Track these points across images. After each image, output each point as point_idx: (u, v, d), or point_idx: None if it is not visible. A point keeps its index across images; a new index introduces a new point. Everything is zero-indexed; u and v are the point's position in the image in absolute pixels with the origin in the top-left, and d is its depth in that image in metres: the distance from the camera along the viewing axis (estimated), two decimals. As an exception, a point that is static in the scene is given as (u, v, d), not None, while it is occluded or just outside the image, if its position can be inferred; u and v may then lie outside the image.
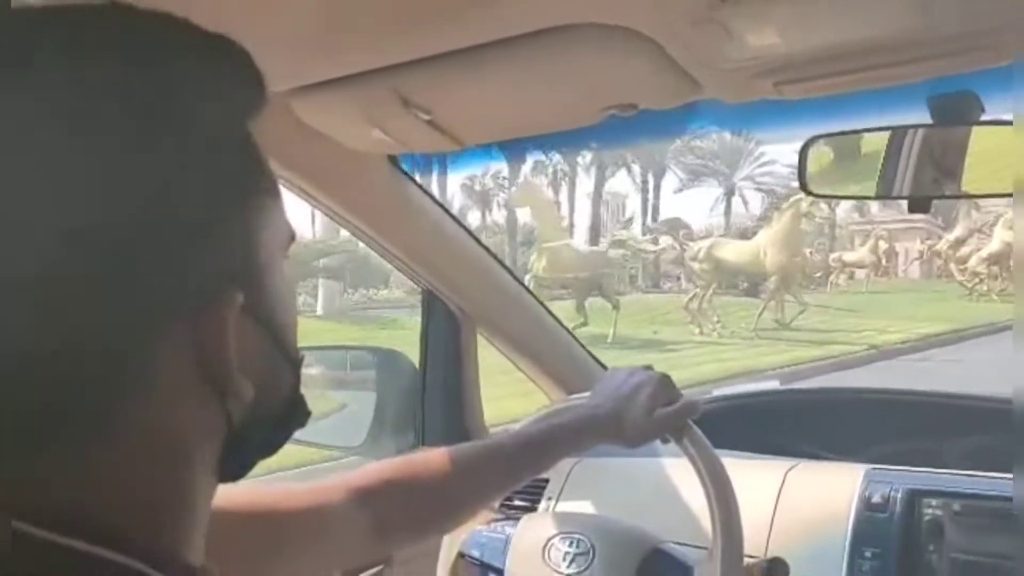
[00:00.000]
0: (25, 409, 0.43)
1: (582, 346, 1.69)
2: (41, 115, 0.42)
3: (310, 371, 1.69)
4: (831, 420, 1.63)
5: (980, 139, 1.08)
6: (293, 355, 0.53)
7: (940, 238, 23.91)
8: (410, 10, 0.83)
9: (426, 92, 0.99)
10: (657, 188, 29.84)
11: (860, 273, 25.36)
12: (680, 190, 31.32)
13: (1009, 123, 1.03)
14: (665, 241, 20.59)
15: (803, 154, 1.14)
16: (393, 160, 1.31)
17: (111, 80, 0.43)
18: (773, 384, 1.94)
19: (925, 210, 1.11)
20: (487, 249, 1.53)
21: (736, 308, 15.72)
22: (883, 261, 25.24)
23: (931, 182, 1.13)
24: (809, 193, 1.19)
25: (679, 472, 1.35)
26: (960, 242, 22.33)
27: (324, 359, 1.78)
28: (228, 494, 0.62)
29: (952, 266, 22.82)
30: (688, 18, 0.80)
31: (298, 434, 1.62)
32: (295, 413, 0.54)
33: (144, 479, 0.46)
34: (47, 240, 0.41)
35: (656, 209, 29.84)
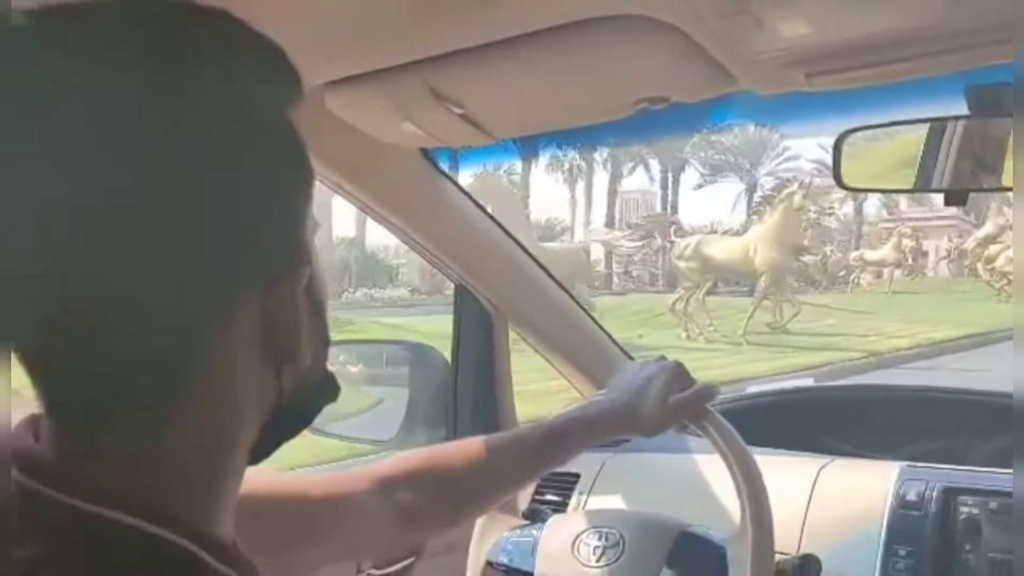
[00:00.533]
0: (101, 384, 0.46)
1: (614, 341, 1.69)
2: (109, 103, 0.44)
3: (349, 368, 1.72)
4: (865, 418, 1.61)
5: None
6: (328, 332, 0.56)
7: (970, 235, 23.04)
8: (441, 3, 0.84)
9: (457, 85, 1.00)
10: (676, 184, 29.13)
11: (897, 272, 24.54)
12: (700, 186, 30.62)
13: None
14: (647, 238, 20.03)
15: (837, 147, 1.13)
16: (426, 153, 1.32)
17: (167, 73, 0.45)
18: (807, 381, 1.92)
19: (962, 203, 1.09)
20: (519, 244, 1.53)
21: (734, 310, 14.72)
22: (909, 259, 24.45)
23: (969, 175, 1.11)
24: (844, 187, 1.18)
25: (710, 466, 1.34)
26: (990, 239, 21.24)
27: (361, 355, 1.80)
28: (257, 480, 0.64)
29: (979, 265, 21.80)
30: (719, 8, 0.80)
31: (332, 428, 1.63)
32: (328, 387, 0.57)
33: (196, 455, 0.48)
34: (124, 216, 0.44)
35: (675, 206, 29.17)
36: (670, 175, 28.56)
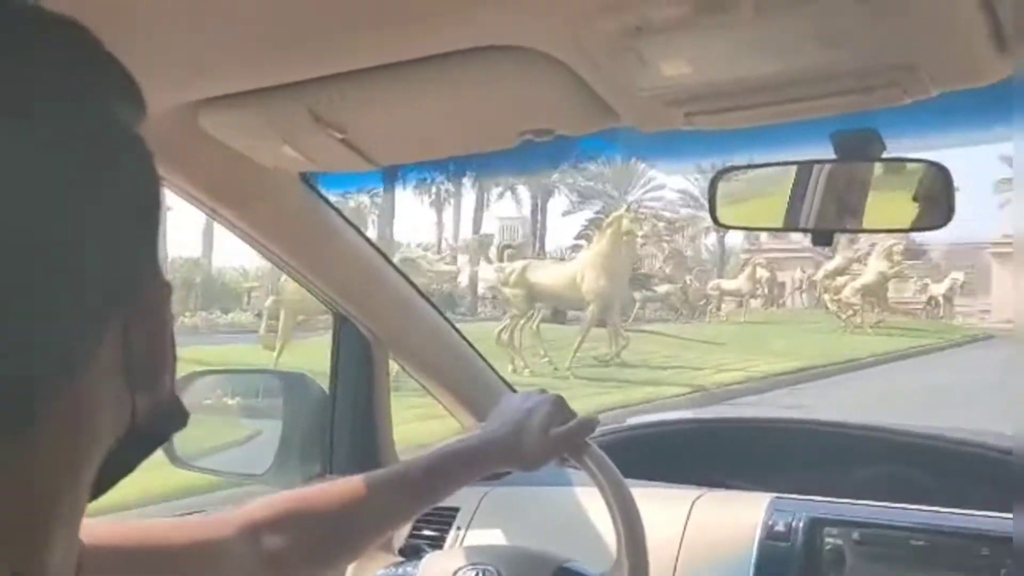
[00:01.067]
0: None
1: (496, 373, 1.68)
2: None
3: (226, 400, 1.65)
4: (740, 449, 1.66)
5: (883, 176, 1.12)
6: (176, 355, 0.52)
7: (820, 267, 24.08)
8: (323, 26, 0.82)
9: (340, 110, 0.97)
10: (544, 210, 29.14)
11: (755, 302, 25.34)
12: (569, 212, 30.80)
13: (908, 160, 1.07)
14: (463, 261, 19.75)
15: (713, 186, 1.16)
16: (306, 178, 1.28)
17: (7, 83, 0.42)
18: (685, 413, 1.96)
19: (827, 243, 1.14)
20: (401, 272, 1.51)
21: (570, 340, 13.67)
22: (764, 290, 25.26)
23: (834, 216, 1.16)
24: (719, 224, 1.21)
25: (590, 499, 1.34)
26: (839, 272, 22.27)
27: (238, 385, 1.73)
28: (119, 528, 0.59)
29: (826, 297, 22.70)
30: (604, 45, 0.81)
31: (201, 462, 1.55)
32: (177, 414, 0.54)
33: (34, 489, 0.44)
34: None
35: (543, 233, 29.24)
36: (539, 201, 28.66)
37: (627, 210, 15.35)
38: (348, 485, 0.95)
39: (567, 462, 1.08)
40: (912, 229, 1.24)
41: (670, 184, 29.29)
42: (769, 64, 0.83)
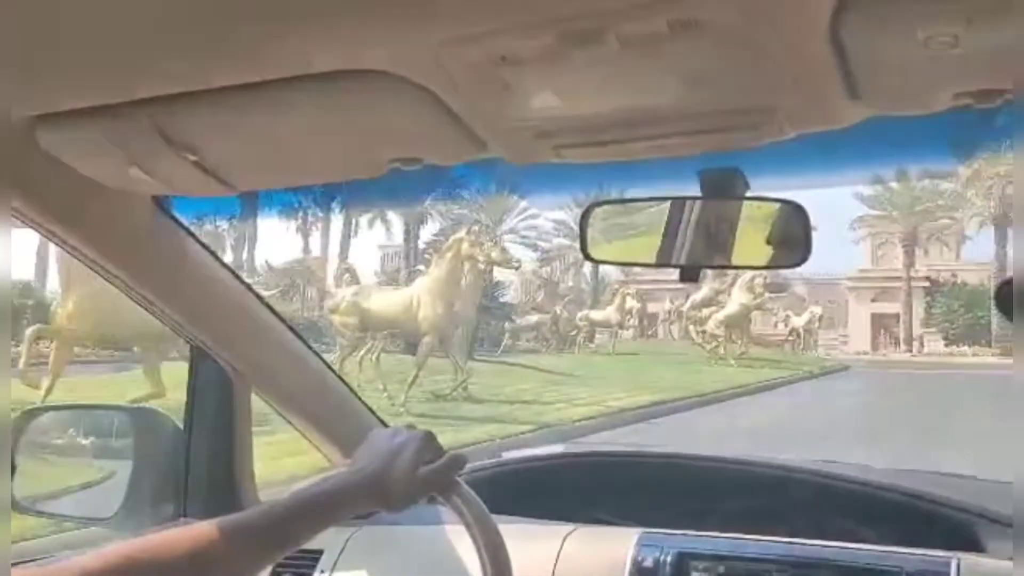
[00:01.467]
0: None
1: (367, 407, 1.63)
2: None
3: (79, 440, 1.54)
4: (612, 484, 1.66)
5: (748, 214, 1.15)
6: None
7: (689, 298, 24.09)
8: (173, 41, 0.76)
9: (191, 131, 0.92)
10: (416, 237, 27.64)
11: (627, 333, 25.26)
12: (435, 240, 28.54)
13: (769, 200, 1.09)
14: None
15: (584, 220, 1.16)
16: (159, 202, 1.21)
17: None
18: (557, 447, 1.96)
19: (694, 279, 1.15)
20: (264, 302, 1.44)
21: (427, 372, 12.62)
22: (635, 320, 25.10)
23: (703, 252, 1.18)
24: (589, 259, 1.21)
25: (460, 537, 1.31)
26: (706, 303, 22.32)
27: (84, 422, 1.62)
28: None
29: (691, 327, 22.87)
30: (470, 74, 0.79)
31: (42, 506, 1.45)
32: None
33: None
34: None
35: (414, 261, 26.97)
36: (411, 228, 27.41)
37: (467, 232, 14.38)
38: (199, 532, 0.89)
39: (436, 500, 1.06)
40: (772, 266, 1.27)
41: (546, 213, 28.93)
42: (635, 99, 0.84)
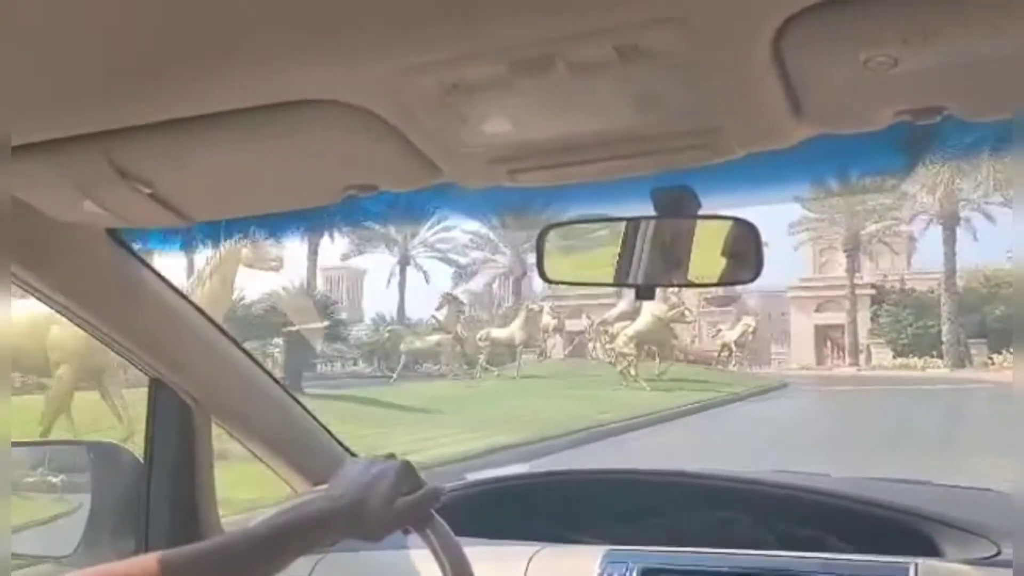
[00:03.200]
0: None
1: (330, 435, 1.62)
2: None
3: (49, 478, 1.50)
4: (577, 502, 1.66)
5: (701, 232, 1.17)
6: None
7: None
8: (123, 73, 0.76)
9: (145, 163, 0.91)
10: (316, 254, 24.71)
11: (558, 351, 23.44)
12: (348, 256, 27.90)
13: (720, 218, 1.12)
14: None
15: (540, 241, 1.17)
16: (113, 234, 1.20)
17: None
18: (523, 467, 1.97)
19: (651, 297, 1.17)
20: (224, 332, 1.43)
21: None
22: (552, 339, 23.03)
23: (660, 271, 1.20)
24: (547, 280, 1.23)
25: (426, 563, 1.30)
26: (624, 317, 19.87)
27: (51, 459, 1.59)
28: None
29: (598, 346, 21.03)
30: (422, 102, 0.80)
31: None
32: None
33: None
34: None
35: (313, 283, 24.70)
36: (311, 245, 24.09)
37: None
38: (159, 563, 0.86)
39: (409, 532, 1.05)
40: (726, 283, 1.30)
41: (462, 225, 26.48)
42: (586, 123, 0.85)
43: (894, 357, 26.87)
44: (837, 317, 28.67)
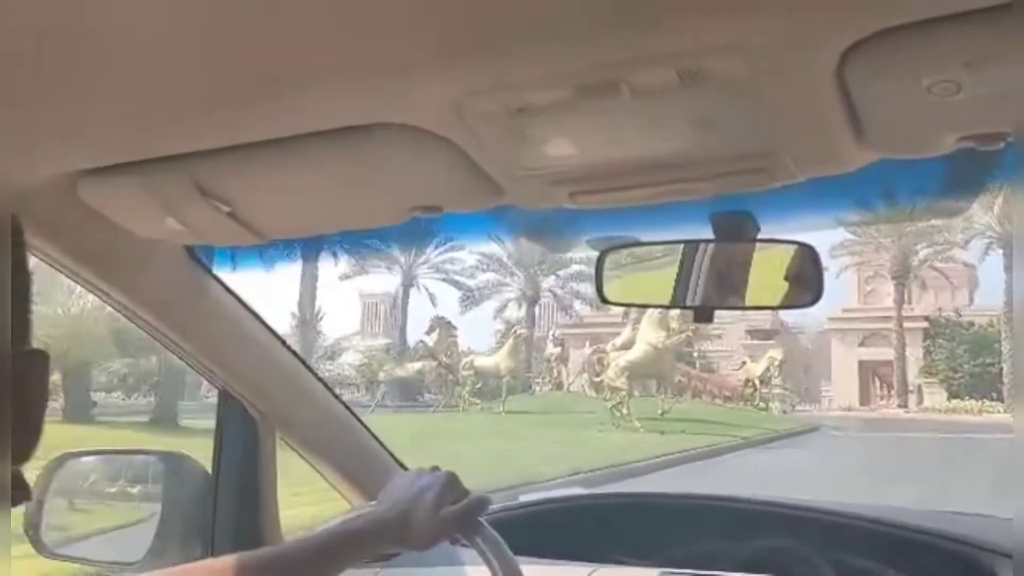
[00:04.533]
0: None
1: (388, 452, 1.65)
2: None
3: (103, 483, 1.55)
4: (631, 525, 1.66)
5: (760, 255, 1.18)
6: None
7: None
8: (207, 99, 0.81)
9: (225, 183, 0.96)
10: (314, 277, 23.65)
11: (578, 380, 19.95)
12: (347, 277, 25.44)
13: (780, 241, 1.12)
14: None
15: (600, 264, 1.19)
16: (191, 251, 1.25)
17: None
18: (576, 489, 1.97)
19: (709, 320, 1.18)
20: (289, 348, 1.48)
21: None
22: (555, 368, 20.60)
23: (717, 293, 1.21)
24: (606, 301, 1.24)
25: (481, 580, 1.32)
26: (625, 345, 17.57)
27: (114, 467, 1.65)
28: None
29: (585, 377, 18.36)
30: (488, 125, 0.83)
31: (69, 550, 1.47)
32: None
33: None
34: None
35: (312, 301, 23.49)
36: (309, 266, 22.59)
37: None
38: (220, 568, 0.90)
39: (459, 542, 1.07)
40: (785, 306, 1.30)
41: (471, 246, 25.77)
42: (647, 147, 0.87)
43: (948, 398, 24.22)
44: (884, 352, 25.83)
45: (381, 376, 20.14)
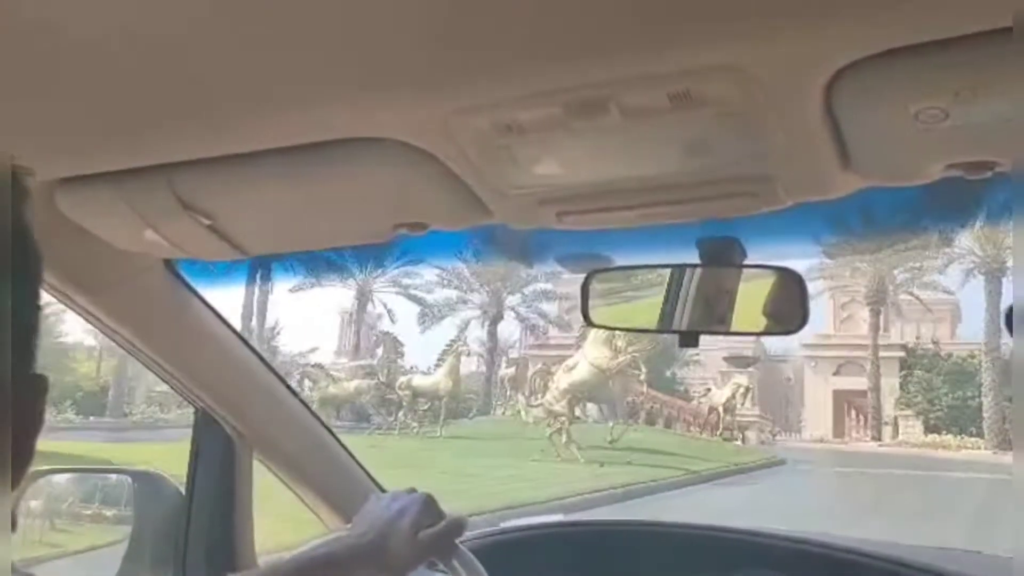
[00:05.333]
0: None
1: (365, 472, 1.63)
2: None
3: (82, 502, 1.52)
4: (612, 553, 1.64)
5: (745, 281, 1.17)
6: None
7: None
8: (190, 109, 0.80)
9: (207, 196, 0.95)
10: (265, 289, 22.90)
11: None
12: (300, 289, 23.61)
13: (766, 267, 1.12)
14: None
15: (586, 286, 1.18)
16: (169, 265, 1.23)
17: None
18: (557, 516, 1.95)
19: (694, 344, 1.17)
20: (270, 367, 1.46)
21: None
22: (508, 391, 19.05)
23: (703, 318, 1.20)
24: (591, 324, 1.23)
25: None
26: (570, 368, 15.87)
27: (87, 485, 1.61)
28: None
29: (521, 400, 16.59)
30: (476, 142, 0.82)
31: (40, 571, 1.42)
32: None
33: None
34: None
35: (263, 315, 23.10)
36: (260, 275, 19.20)
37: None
38: None
39: (435, 565, 1.05)
40: (769, 333, 1.29)
41: (430, 259, 23.32)
42: (636, 168, 0.87)
43: (925, 432, 22.88)
44: (859, 382, 24.39)
45: (314, 394, 18.43)
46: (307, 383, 19.73)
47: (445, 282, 25.13)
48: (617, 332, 13.11)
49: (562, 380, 14.97)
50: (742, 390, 20.65)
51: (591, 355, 15.04)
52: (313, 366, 20.88)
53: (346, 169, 0.89)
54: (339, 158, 0.87)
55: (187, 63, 0.73)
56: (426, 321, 25.23)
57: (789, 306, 1.11)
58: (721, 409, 20.62)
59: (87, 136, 0.85)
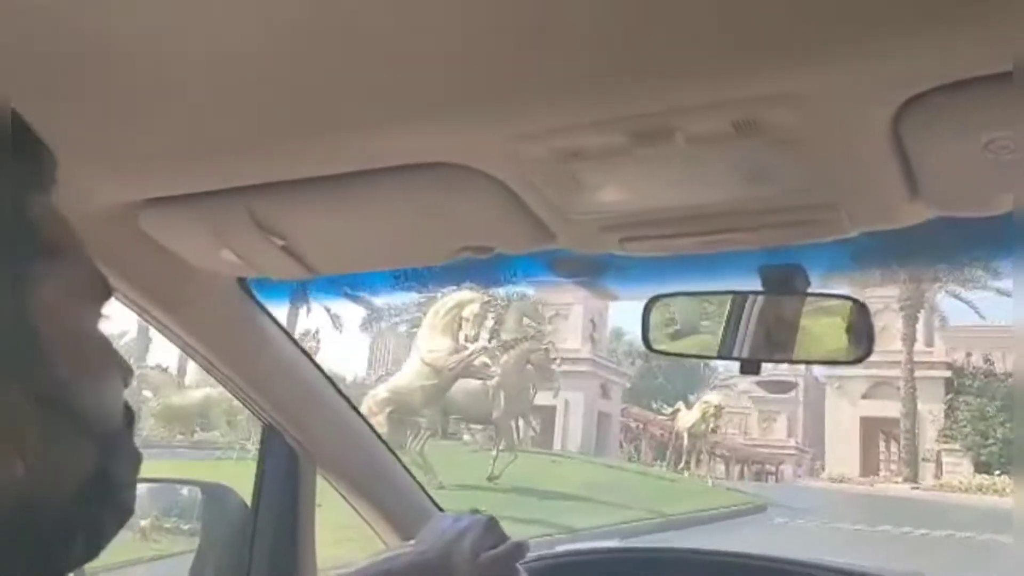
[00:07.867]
0: None
1: (424, 491, 1.65)
2: None
3: (152, 513, 1.57)
4: None
5: (808, 308, 1.16)
6: None
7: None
8: (267, 134, 0.83)
9: (281, 217, 0.98)
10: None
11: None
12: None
13: (831, 296, 1.11)
14: None
15: (647, 312, 1.19)
16: (242, 283, 1.28)
17: None
18: (612, 542, 1.94)
19: (756, 372, 1.16)
20: (333, 384, 1.49)
21: None
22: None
23: (764, 346, 1.20)
24: (652, 350, 1.23)
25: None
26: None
27: (165, 497, 1.66)
28: None
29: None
30: (541, 168, 0.84)
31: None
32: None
33: None
34: None
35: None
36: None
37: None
38: None
39: None
40: (833, 361, 1.28)
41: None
42: (700, 196, 0.87)
43: (975, 471, 18.71)
44: (893, 407, 20.04)
45: (155, 405, 16.62)
46: (145, 392, 16.98)
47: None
48: (465, 316, 11.77)
49: (381, 388, 11.38)
50: (712, 410, 17.74)
51: (423, 350, 11.45)
52: (153, 368, 17.97)
53: (414, 193, 0.91)
54: (407, 182, 0.89)
55: (267, 92, 0.77)
56: (372, 326, 23.15)
57: (854, 335, 1.10)
58: (686, 436, 17.50)
59: (172, 160, 0.90)
